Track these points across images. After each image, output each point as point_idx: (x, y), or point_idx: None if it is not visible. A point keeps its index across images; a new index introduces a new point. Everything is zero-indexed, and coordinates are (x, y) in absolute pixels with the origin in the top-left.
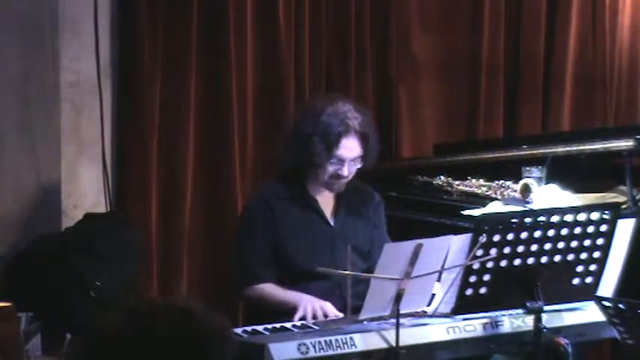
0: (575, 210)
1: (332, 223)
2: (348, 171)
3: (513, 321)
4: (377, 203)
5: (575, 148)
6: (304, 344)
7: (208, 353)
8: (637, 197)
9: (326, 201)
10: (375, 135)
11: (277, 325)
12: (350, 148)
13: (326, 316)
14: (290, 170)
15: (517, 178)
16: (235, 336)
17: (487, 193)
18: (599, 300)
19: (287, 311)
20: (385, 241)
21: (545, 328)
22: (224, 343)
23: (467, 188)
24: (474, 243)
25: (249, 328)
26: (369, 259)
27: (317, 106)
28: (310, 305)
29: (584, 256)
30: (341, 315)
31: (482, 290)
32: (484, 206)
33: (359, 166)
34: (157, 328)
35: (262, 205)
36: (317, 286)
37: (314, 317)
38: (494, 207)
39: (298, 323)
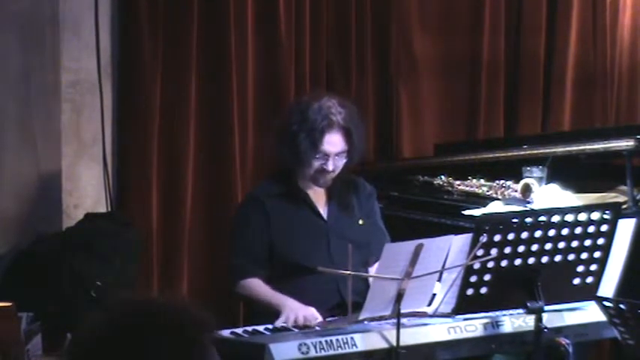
0: (576, 210)
1: (325, 216)
2: (333, 166)
3: (514, 321)
4: (369, 194)
5: (575, 148)
6: (305, 344)
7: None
8: (637, 197)
9: (317, 195)
10: (359, 129)
11: (278, 325)
12: (334, 143)
13: (307, 327)
14: (280, 169)
15: (518, 178)
16: (235, 336)
17: (488, 193)
18: (599, 300)
19: (271, 313)
20: (379, 231)
21: (545, 328)
22: (204, 336)
23: (468, 188)
24: (474, 243)
25: (249, 328)
26: (366, 251)
27: (302, 104)
28: (293, 314)
29: (584, 255)
30: (320, 319)
31: (483, 290)
32: (485, 206)
33: (345, 160)
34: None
35: (254, 204)
36: (313, 281)
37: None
38: (495, 207)
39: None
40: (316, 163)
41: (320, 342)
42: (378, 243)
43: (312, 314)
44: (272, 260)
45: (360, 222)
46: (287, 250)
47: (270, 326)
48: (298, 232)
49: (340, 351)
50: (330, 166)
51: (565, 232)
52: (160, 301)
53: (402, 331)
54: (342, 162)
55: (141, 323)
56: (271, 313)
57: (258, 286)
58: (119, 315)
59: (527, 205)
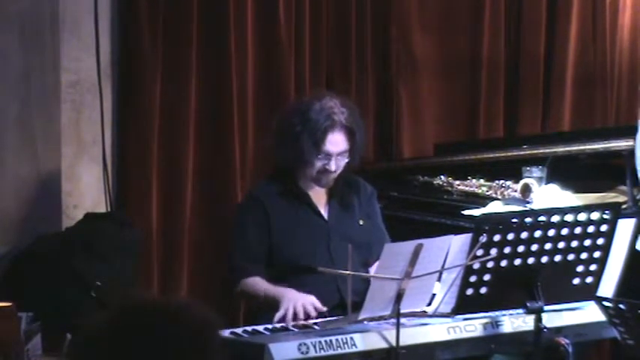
0: (576, 210)
1: (326, 216)
2: (335, 166)
3: (514, 321)
4: (369, 194)
5: (575, 148)
6: (304, 344)
7: (202, 348)
8: (637, 197)
9: (318, 195)
10: (361, 130)
11: (277, 325)
12: (336, 142)
13: (308, 315)
14: (280, 169)
15: (517, 178)
16: (235, 336)
17: (487, 193)
18: (599, 300)
19: (271, 307)
20: (380, 232)
21: (545, 328)
22: (213, 336)
23: (467, 188)
24: (474, 243)
25: (249, 328)
26: (366, 251)
27: (303, 104)
28: (292, 304)
29: (584, 255)
30: (324, 309)
31: (483, 290)
32: (484, 206)
33: (346, 160)
34: (156, 326)
35: (253, 204)
36: (313, 280)
37: (295, 318)
38: (495, 207)
39: (300, 323)
40: (318, 164)
41: (319, 342)
42: (378, 243)
43: (311, 302)
44: (272, 260)
45: (361, 222)
46: (287, 249)
47: (269, 326)
48: (299, 231)
49: (340, 351)
50: (332, 166)
51: (565, 232)
52: (172, 301)
53: (401, 331)
54: (344, 162)
55: (150, 323)
56: (272, 308)
57: (257, 282)
58: (125, 314)
59: (527, 205)
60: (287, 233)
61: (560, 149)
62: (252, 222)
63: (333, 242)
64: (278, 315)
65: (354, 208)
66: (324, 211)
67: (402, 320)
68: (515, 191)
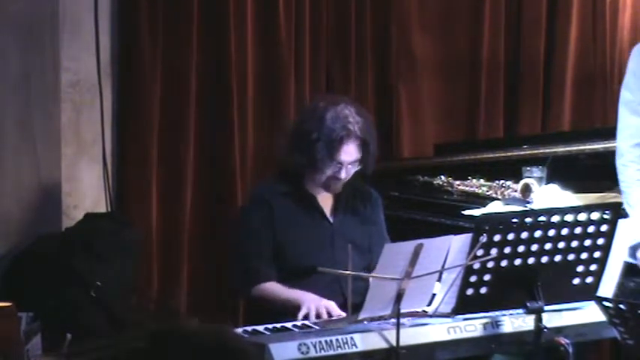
0: (576, 210)
1: (331, 220)
2: (346, 174)
3: (514, 321)
4: (375, 201)
5: (575, 148)
6: (305, 344)
7: None
8: None
9: (324, 198)
10: (374, 140)
11: (278, 325)
12: (350, 152)
13: (330, 315)
14: (287, 169)
15: (517, 178)
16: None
17: (487, 193)
18: (599, 300)
19: (291, 310)
20: (384, 239)
21: (545, 328)
22: None
23: (467, 188)
24: (474, 243)
25: (249, 328)
26: (369, 256)
27: (319, 110)
28: (314, 304)
29: (584, 255)
30: (343, 314)
31: (483, 290)
32: (484, 206)
33: (357, 169)
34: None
35: (261, 203)
36: (315, 281)
37: (317, 317)
38: (495, 207)
39: (299, 323)
40: (329, 171)
41: (320, 342)
42: (380, 249)
43: (331, 306)
44: (276, 260)
45: (366, 227)
46: (291, 250)
47: (270, 326)
48: (303, 233)
49: (340, 351)
50: (342, 175)
51: (565, 232)
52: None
53: (401, 331)
54: (353, 170)
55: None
56: (287, 311)
57: (273, 287)
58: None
59: (527, 205)
60: (291, 234)
61: (560, 149)
62: (261, 222)
63: (336, 244)
64: (301, 314)
65: (360, 213)
66: (329, 215)
67: (402, 320)
68: (515, 191)
